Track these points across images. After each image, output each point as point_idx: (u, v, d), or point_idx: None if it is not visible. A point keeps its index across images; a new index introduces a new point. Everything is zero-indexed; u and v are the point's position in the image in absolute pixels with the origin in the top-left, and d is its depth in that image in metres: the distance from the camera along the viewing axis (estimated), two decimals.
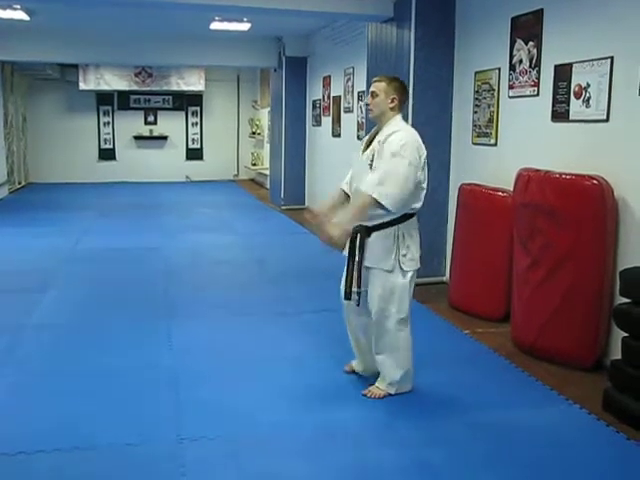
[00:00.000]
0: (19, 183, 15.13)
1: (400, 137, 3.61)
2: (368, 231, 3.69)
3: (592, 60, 4.45)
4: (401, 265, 3.72)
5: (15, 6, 8.59)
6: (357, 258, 3.70)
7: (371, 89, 3.79)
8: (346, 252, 3.78)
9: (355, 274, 3.72)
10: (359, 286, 3.75)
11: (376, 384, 3.89)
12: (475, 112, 6.04)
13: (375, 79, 3.85)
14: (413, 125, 6.27)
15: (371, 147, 3.72)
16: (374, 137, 3.77)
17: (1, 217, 10.93)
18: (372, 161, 3.64)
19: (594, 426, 3.54)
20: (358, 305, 3.82)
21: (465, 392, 3.98)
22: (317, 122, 11.54)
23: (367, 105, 3.82)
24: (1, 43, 10.76)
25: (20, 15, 8.97)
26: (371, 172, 3.61)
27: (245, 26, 10.04)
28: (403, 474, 3.09)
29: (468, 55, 6.19)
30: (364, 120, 8.07)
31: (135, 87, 15.77)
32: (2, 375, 4.17)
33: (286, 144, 12.19)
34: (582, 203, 4.22)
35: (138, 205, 12.70)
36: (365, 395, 3.85)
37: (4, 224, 10.14)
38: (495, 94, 5.71)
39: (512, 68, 5.44)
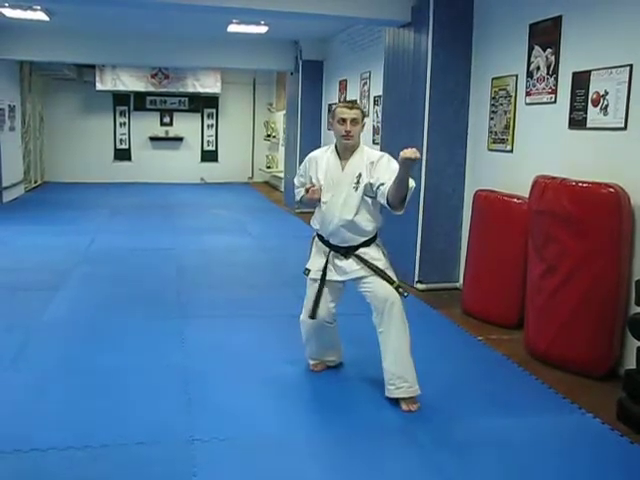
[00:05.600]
0: (35, 182, 15.24)
1: (387, 156, 3.80)
2: (356, 248, 3.86)
3: (611, 68, 4.43)
4: (390, 264, 3.89)
5: (35, 7, 8.67)
6: (343, 277, 3.91)
7: (352, 116, 3.75)
8: (316, 275, 3.95)
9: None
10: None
11: (412, 392, 3.78)
12: (491, 118, 6.02)
13: (347, 106, 3.83)
14: (428, 130, 6.35)
15: (353, 169, 3.79)
16: (345, 160, 3.85)
17: (16, 215, 11.01)
18: (357, 183, 3.76)
19: (608, 436, 3.51)
20: (315, 318, 4.01)
21: (477, 398, 3.97)
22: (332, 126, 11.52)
23: (348, 132, 3.75)
24: (20, 43, 10.87)
25: (40, 16, 9.07)
26: (381, 184, 3.66)
27: (262, 29, 10.07)
28: (415, 478, 3.08)
29: (485, 61, 6.18)
30: (379, 124, 8.07)
31: (151, 88, 15.83)
32: (15, 372, 4.20)
33: (301, 147, 12.19)
34: (598, 211, 4.20)
35: (152, 206, 12.77)
36: (410, 411, 3.76)
37: (19, 222, 10.21)
38: (512, 100, 5.69)
39: (529, 75, 5.42)
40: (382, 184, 3.67)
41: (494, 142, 5.99)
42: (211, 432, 3.42)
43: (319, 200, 3.87)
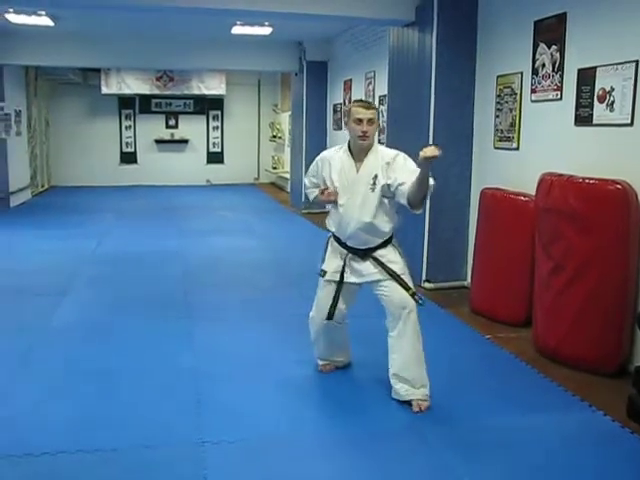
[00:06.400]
0: (42, 186, 15.29)
1: (402, 155, 3.76)
2: (373, 250, 3.82)
3: (616, 64, 4.42)
4: (407, 268, 3.88)
5: (40, 12, 8.70)
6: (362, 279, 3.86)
7: (368, 116, 3.68)
8: (332, 277, 3.91)
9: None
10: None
11: (422, 396, 3.78)
12: (497, 116, 6.01)
13: (363, 105, 3.75)
14: (434, 129, 6.33)
15: (368, 170, 3.74)
16: (360, 161, 3.79)
17: (24, 220, 11.05)
18: (374, 184, 3.71)
19: (618, 433, 3.50)
20: (332, 319, 3.99)
21: (486, 397, 3.96)
22: (338, 126, 11.54)
23: (364, 133, 3.68)
24: (26, 48, 10.90)
25: (45, 21, 9.11)
26: (400, 183, 3.64)
27: (266, 30, 10.07)
28: (424, 478, 3.08)
29: (490, 59, 6.17)
30: (385, 124, 8.06)
31: (156, 91, 15.82)
32: (23, 376, 4.22)
33: (307, 148, 12.20)
34: (605, 208, 4.19)
35: (159, 208, 12.79)
36: (420, 411, 3.74)
37: (27, 227, 10.24)
38: (517, 98, 5.68)
39: (535, 72, 5.41)
40: (401, 184, 3.62)
41: (500, 140, 5.98)
42: (221, 434, 3.43)
43: (335, 202, 3.81)
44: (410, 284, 3.79)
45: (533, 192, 4.89)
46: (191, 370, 4.33)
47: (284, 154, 16.10)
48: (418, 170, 3.52)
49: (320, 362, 4.31)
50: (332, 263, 3.93)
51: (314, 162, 4.03)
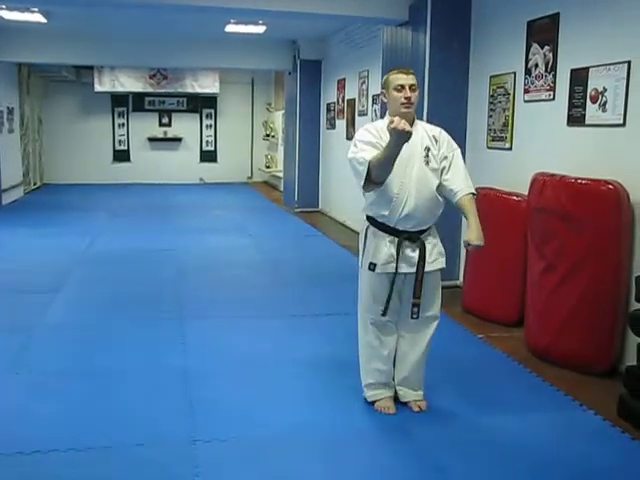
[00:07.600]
0: (34, 184, 15.23)
1: (444, 132, 3.66)
2: (423, 233, 3.61)
3: (609, 64, 4.43)
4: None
5: (32, 9, 8.67)
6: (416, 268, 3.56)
7: (410, 82, 3.42)
8: (383, 269, 3.54)
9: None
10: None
11: (418, 396, 3.78)
12: (490, 116, 6.02)
13: (403, 71, 3.48)
14: None
15: (419, 141, 3.48)
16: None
17: (16, 217, 11.01)
18: (427, 157, 3.50)
19: (609, 432, 3.51)
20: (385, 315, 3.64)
21: (478, 397, 3.97)
22: (331, 125, 11.55)
23: (408, 99, 3.40)
24: (18, 45, 10.85)
25: (37, 18, 9.08)
26: (448, 171, 3.57)
27: (260, 29, 10.07)
28: (418, 477, 3.09)
29: (483, 59, 6.18)
30: None
31: (150, 89, 15.79)
32: (16, 375, 4.21)
33: (300, 147, 12.21)
34: (598, 208, 4.20)
35: (152, 207, 12.76)
36: (420, 411, 3.71)
37: (19, 224, 10.21)
38: (510, 98, 5.69)
39: (528, 72, 5.42)
40: (443, 170, 3.54)
41: (493, 140, 5.99)
42: (212, 433, 3.42)
43: (409, 137, 3.18)
44: (432, 301, 3.65)
45: (526, 192, 4.90)
46: (183, 369, 4.32)
47: (277, 153, 16.09)
48: (461, 162, 3.63)
49: (377, 395, 3.77)
50: (381, 254, 3.53)
51: (363, 134, 3.50)
